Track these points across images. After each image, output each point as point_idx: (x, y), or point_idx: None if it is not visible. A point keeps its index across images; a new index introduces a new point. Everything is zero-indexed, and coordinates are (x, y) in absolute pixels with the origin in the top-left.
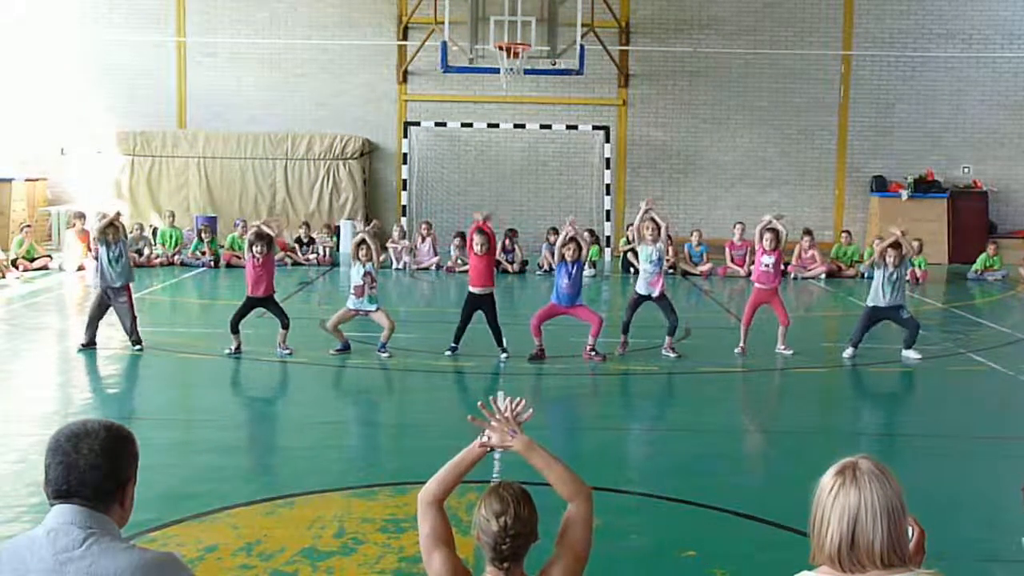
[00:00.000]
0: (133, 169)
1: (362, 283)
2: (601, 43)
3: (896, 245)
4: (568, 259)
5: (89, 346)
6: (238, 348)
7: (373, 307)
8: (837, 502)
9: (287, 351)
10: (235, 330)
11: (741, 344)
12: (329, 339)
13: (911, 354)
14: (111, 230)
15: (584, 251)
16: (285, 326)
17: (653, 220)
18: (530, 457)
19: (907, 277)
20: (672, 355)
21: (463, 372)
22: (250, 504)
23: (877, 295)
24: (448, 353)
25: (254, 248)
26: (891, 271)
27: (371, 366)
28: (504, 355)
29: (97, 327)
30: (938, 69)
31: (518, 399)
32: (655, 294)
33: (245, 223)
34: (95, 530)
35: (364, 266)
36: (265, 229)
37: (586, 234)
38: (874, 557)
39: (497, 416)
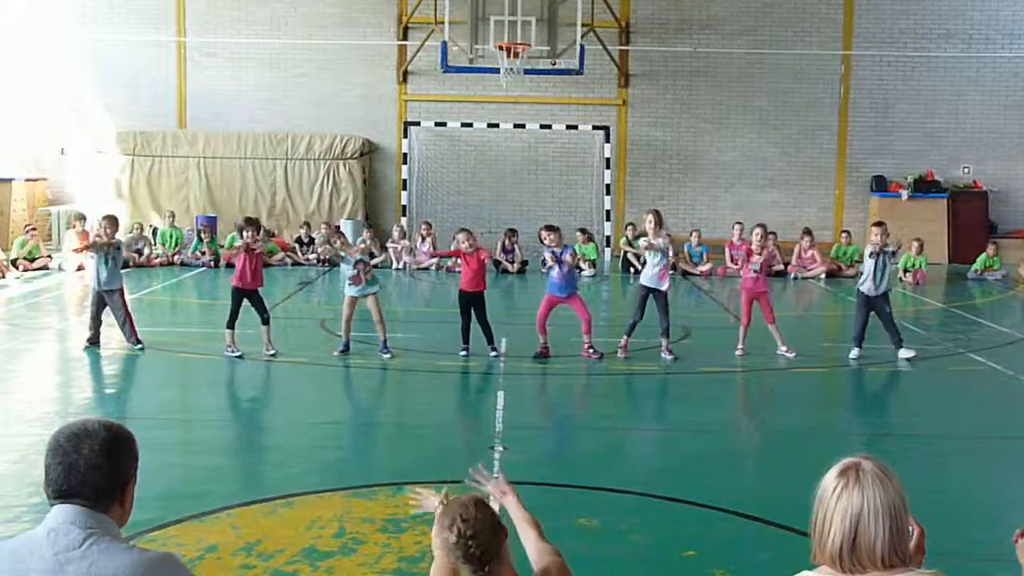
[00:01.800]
0: (133, 169)
1: (356, 272)
2: (601, 43)
3: (879, 223)
4: (555, 247)
5: (94, 343)
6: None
7: (374, 288)
8: (840, 503)
9: (271, 351)
10: (231, 327)
11: (740, 345)
12: (329, 339)
13: (904, 353)
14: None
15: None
16: (266, 322)
17: (656, 213)
18: (513, 514)
19: (894, 268)
20: (669, 357)
21: (462, 372)
22: (250, 504)
23: (867, 282)
24: (463, 354)
25: (244, 233)
26: (879, 258)
27: (371, 366)
28: (493, 353)
29: (99, 324)
30: (938, 69)
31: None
32: (663, 288)
33: None
34: (95, 530)
35: (352, 257)
36: (252, 217)
37: (578, 234)
38: (875, 558)
39: (488, 479)
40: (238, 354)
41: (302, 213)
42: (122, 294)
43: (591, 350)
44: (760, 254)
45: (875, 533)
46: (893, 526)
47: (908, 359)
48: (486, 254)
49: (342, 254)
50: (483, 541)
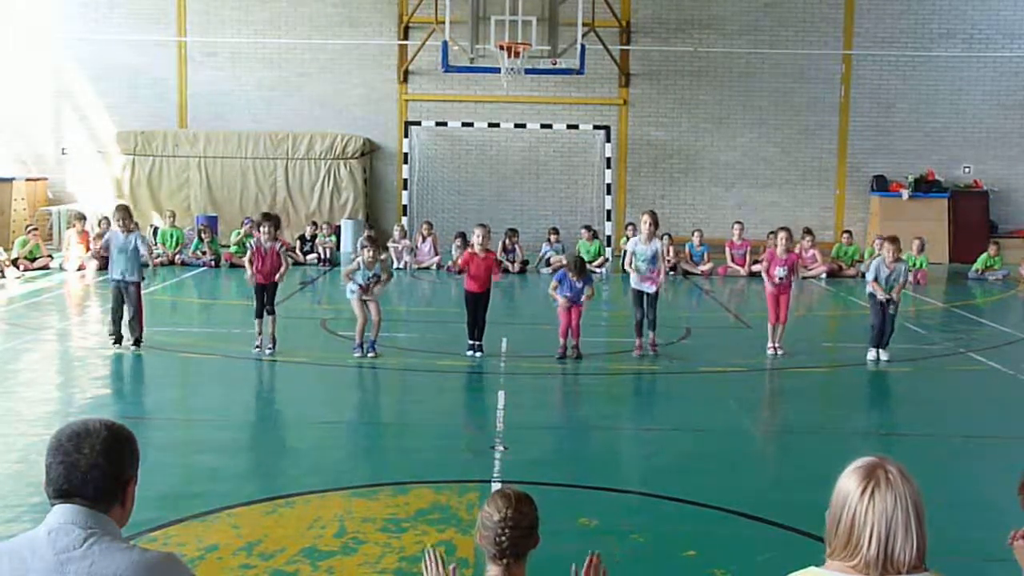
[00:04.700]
0: (134, 169)
1: (366, 284)
2: (602, 43)
3: (893, 239)
4: (573, 278)
5: (118, 341)
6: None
7: (375, 296)
8: (874, 506)
9: (269, 346)
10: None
11: (772, 343)
12: (329, 339)
13: (879, 354)
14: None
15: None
16: (271, 312)
17: (652, 214)
18: None
19: (905, 279)
20: (651, 352)
21: (463, 372)
22: (250, 504)
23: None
24: (470, 353)
25: (261, 228)
26: (888, 271)
27: (371, 366)
28: (478, 353)
29: (121, 319)
30: (938, 69)
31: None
32: (649, 291)
33: (252, 221)
34: (96, 530)
35: (370, 270)
36: (270, 213)
37: (583, 231)
38: (904, 561)
39: None
40: (258, 344)
41: (302, 213)
42: (139, 288)
43: (574, 348)
44: (785, 262)
45: (907, 536)
46: (919, 527)
47: (875, 360)
48: (494, 255)
49: (360, 269)
50: (517, 537)
